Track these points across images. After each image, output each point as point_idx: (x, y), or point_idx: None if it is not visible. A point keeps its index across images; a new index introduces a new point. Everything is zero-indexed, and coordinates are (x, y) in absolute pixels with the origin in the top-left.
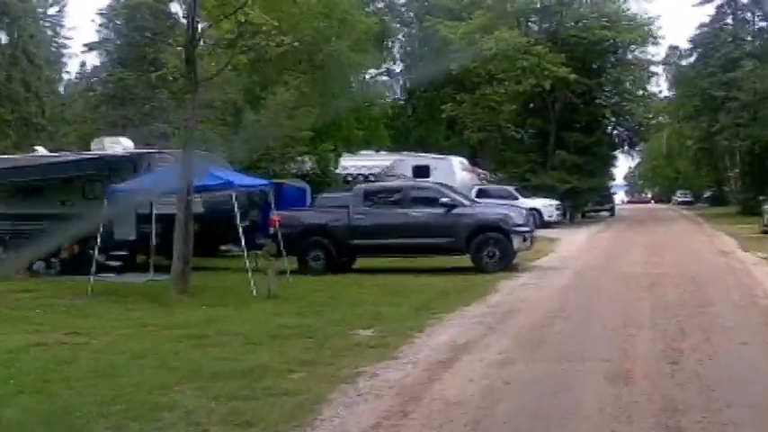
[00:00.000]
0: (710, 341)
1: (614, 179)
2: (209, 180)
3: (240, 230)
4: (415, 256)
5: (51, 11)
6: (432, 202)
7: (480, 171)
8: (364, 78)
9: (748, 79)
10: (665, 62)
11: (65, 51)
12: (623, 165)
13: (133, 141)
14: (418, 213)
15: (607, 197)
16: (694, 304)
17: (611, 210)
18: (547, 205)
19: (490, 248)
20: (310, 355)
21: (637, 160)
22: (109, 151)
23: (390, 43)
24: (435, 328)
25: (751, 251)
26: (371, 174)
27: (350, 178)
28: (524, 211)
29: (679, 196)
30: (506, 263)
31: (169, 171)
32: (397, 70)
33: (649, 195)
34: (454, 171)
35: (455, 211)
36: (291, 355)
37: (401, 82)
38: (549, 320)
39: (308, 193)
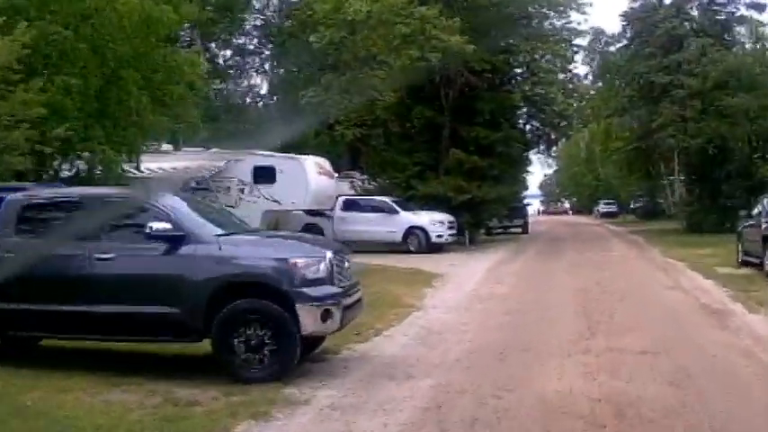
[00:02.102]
0: None
1: (527, 188)
2: None
3: None
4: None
5: None
6: (137, 230)
7: (357, 176)
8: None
9: (697, 61)
10: (589, 47)
11: None
12: (539, 172)
13: None
14: (108, 254)
15: (518, 211)
16: None
17: (524, 226)
18: (435, 222)
19: (252, 332)
20: None
21: (554, 167)
22: None
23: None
24: None
25: (760, 310)
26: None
27: None
28: (329, 254)
29: (602, 207)
30: (286, 364)
31: None
32: (251, 48)
33: (567, 205)
34: (307, 175)
35: (183, 249)
36: None
37: (257, 63)
38: None
39: None
